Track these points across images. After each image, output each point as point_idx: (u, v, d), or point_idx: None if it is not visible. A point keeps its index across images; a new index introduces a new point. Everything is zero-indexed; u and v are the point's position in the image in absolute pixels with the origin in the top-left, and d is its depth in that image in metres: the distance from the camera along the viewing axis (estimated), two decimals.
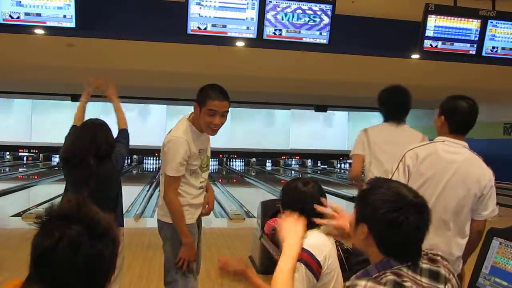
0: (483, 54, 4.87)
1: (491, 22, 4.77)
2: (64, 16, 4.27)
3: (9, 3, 4.18)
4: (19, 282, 0.96)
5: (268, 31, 4.43)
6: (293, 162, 19.71)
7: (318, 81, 9.69)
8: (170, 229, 2.46)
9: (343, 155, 18.82)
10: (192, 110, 2.48)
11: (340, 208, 1.76)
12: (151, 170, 15.83)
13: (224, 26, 4.36)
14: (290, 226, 1.53)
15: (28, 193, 9.70)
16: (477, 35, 4.80)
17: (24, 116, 17.68)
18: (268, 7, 4.37)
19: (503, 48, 4.90)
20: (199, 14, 4.29)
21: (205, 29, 4.34)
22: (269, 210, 4.24)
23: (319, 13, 4.48)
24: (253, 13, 4.36)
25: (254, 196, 10.46)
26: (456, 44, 4.79)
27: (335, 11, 4.47)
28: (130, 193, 9.35)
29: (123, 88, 12.45)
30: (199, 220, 2.65)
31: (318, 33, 4.53)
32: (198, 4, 4.28)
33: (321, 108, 16.52)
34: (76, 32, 4.41)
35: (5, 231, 5.96)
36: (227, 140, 18.43)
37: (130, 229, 5.92)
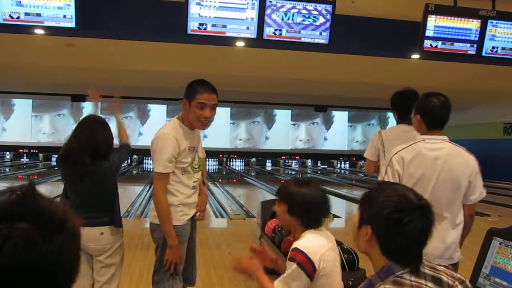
0: (483, 54, 4.87)
1: (491, 22, 4.77)
2: (64, 16, 4.27)
3: (9, 3, 4.18)
4: None
5: (268, 31, 4.43)
6: (293, 162, 19.71)
7: (318, 81, 9.69)
8: (161, 231, 2.45)
9: (343, 155, 18.84)
10: None
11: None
12: (151, 170, 15.81)
13: (224, 26, 4.37)
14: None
15: None
16: (477, 35, 4.80)
17: (24, 116, 17.69)
18: (268, 7, 4.37)
19: (503, 48, 4.90)
20: (199, 14, 4.30)
21: (205, 29, 4.34)
22: (269, 210, 4.24)
23: (319, 13, 4.48)
24: (253, 13, 4.37)
25: (254, 196, 10.47)
26: (456, 44, 4.79)
27: (335, 11, 4.47)
28: (130, 193, 9.36)
29: (123, 88, 12.54)
30: (193, 222, 2.64)
31: (318, 33, 4.53)
32: (198, 4, 4.28)
33: (321, 108, 16.53)
34: (76, 32, 4.41)
35: None
36: (227, 140, 18.45)
37: (130, 229, 5.93)
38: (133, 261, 4.33)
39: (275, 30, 4.45)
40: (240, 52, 6.18)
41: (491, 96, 11.93)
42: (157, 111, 17.75)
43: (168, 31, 4.91)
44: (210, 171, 15.58)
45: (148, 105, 18.00)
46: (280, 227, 3.85)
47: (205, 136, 17.23)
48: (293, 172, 17.56)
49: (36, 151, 17.72)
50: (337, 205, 7.87)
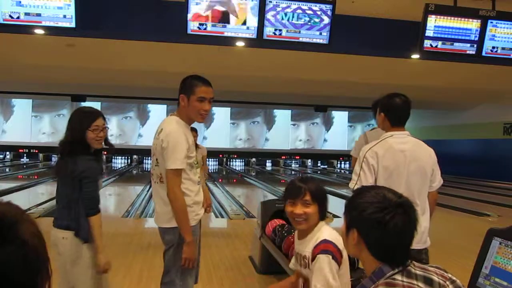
0: (483, 54, 4.87)
1: (491, 22, 4.78)
2: (64, 16, 4.27)
3: (9, 3, 4.18)
4: None
5: (268, 31, 4.44)
6: (293, 162, 19.72)
7: (318, 81, 9.69)
8: (175, 233, 2.44)
9: (343, 155, 18.83)
10: None
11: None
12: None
13: (224, 26, 4.37)
14: None
15: (28, 193, 9.70)
16: (477, 35, 4.80)
17: (24, 116, 17.69)
18: (268, 7, 4.37)
19: (503, 48, 4.90)
20: (199, 14, 4.30)
21: (205, 29, 4.34)
22: (269, 210, 4.24)
23: (319, 13, 4.48)
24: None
25: (254, 196, 10.47)
26: (456, 44, 4.79)
27: (335, 11, 4.48)
28: (130, 193, 9.36)
29: (123, 88, 12.46)
30: (199, 221, 2.66)
31: (318, 33, 4.53)
32: (198, 4, 4.28)
33: (321, 108, 16.53)
34: (76, 32, 4.41)
35: None
36: (227, 140, 18.46)
37: (130, 229, 5.93)
38: (133, 261, 4.33)
39: (275, 30, 4.45)
40: (240, 52, 6.18)
41: (491, 96, 11.93)
42: (157, 111, 17.75)
43: (168, 31, 4.91)
44: (210, 171, 15.59)
45: (148, 105, 18.01)
46: (281, 227, 3.85)
47: (204, 138, 17.26)
48: (293, 172, 17.56)
49: (36, 151, 17.73)
50: (337, 205, 7.87)
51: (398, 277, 1.24)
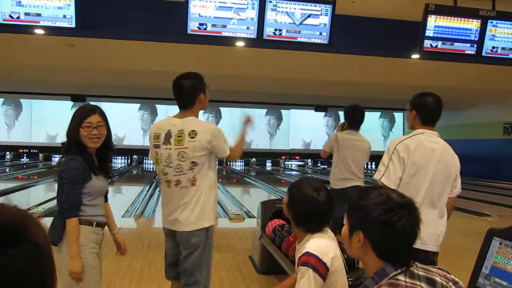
0: (483, 54, 4.87)
1: (491, 22, 4.77)
2: (64, 16, 4.27)
3: (9, 3, 4.18)
4: None
5: (268, 31, 4.43)
6: (293, 163, 19.70)
7: (318, 81, 9.69)
8: (203, 234, 2.48)
9: None
10: None
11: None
12: (151, 170, 15.83)
13: (224, 26, 4.37)
14: None
15: (28, 193, 9.70)
16: (477, 35, 4.80)
17: (24, 116, 17.68)
18: (268, 7, 4.37)
19: (503, 48, 4.90)
20: (199, 14, 4.30)
21: (205, 29, 4.34)
22: (269, 210, 4.25)
23: (319, 13, 4.48)
24: (253, 13, 4.37)
25: (254, 196, 10.46)
26: (456, 44, 4.79)
27: (335, 11, 4.47)
28: (130, 193, 9.36)
29: (123, 88, 12.46)
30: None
31: (318, 33, 4.53)
32: (198, 4, 4.28)
33: (321, 108, 16.52)
34: (76, 32, 4.41)
35: None
36: (227, 140, 18.42)
37: (130, 229, 5.93)
38: (133, 261, 4.33)
39: (275, 30, 4.45)
40: (240, 52, 6.17)
41: (491, 96, 11.93)
42: (157, 111, 17.76)
43: (168, 31, 4.91)
44: None
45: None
46: (281, 227, 3.85)
47: None
48: (293, 172, 17.55)
49: (36, 151, 17.72)
50: None
51: (401, 277, 1.25)
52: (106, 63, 8.18)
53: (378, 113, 19.32)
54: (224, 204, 8.08)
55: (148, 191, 9.62)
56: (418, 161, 2.45)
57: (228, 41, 4.66)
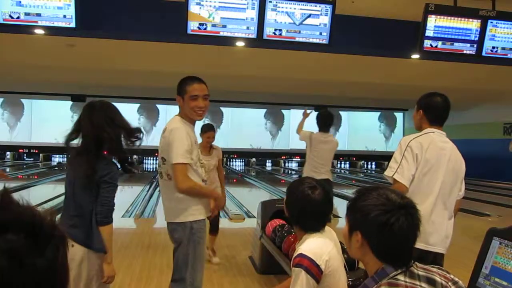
0: (483, 54, 4.87)
1: (491, 22, 4.77)
2: (64, 16, 4.27)
3: (9, 3, 4.18)
4: None
5: (268, 31, 4.43)
6: (293, 163, 19.70)
7: (318, 81, 9.69)
8: (185, 229, 2.47)
9: (343, 155, 18.81)
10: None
11: None
12: (151, 170, 15.82)
13: (224, 26, 4.36)
14: None
15: (28, 193, 9.70)
16: (477, 35, 4.80)
17: (24, 116, 17.68)
18: (268, 7, 4.37)
19: (503, 48, 4.90)
20: (199, 14, 4.29)
21: (205, 29, 4.34)
22: (269, 210, 4.24)
23: (319, 13, 4.48)
24: (253, 13, 4.37)
25: (254, 196, 10.46)
26: (456, 44, 4.79)
27: (335, 11, 4.47)
28: (130, 193, 9.36)
29: (123, 88, 12.46)
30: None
31: (318, 33, 4.53)
32: (198, 4, 4.28)
33: (321, 108, 16.52)
34: (76, 32, 4.41)
35: None
36: (227, 140, 18.44)
37: (130, 229, 5.93)
38: (133, 261, 4.33)
39: (275, 30, 4.45)
40: (240, 52, 6.18)
41: (491, 96, 11.93)
42: (157, 111, 17.77)
43: (168, 31, 4.91)
44: None
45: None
46: (281, 227, 3.85)
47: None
48: (293, 172, 17.55)
49: (36, 151, 17.71)
50: (337, 205, 7.86)
51: (401, 277, 1.25)
52: (106, 63, 8.19)
53: (378, 113, 19.32)
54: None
55: (148, 191, 9.62)
56: (431, 159, 2.43)
57: (228, 41, 4.67)
